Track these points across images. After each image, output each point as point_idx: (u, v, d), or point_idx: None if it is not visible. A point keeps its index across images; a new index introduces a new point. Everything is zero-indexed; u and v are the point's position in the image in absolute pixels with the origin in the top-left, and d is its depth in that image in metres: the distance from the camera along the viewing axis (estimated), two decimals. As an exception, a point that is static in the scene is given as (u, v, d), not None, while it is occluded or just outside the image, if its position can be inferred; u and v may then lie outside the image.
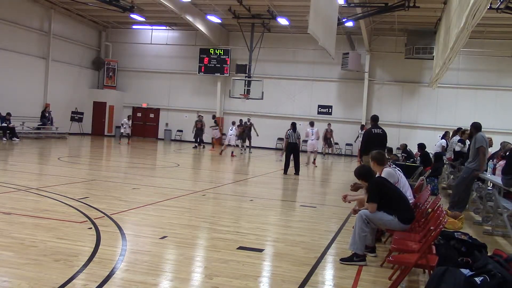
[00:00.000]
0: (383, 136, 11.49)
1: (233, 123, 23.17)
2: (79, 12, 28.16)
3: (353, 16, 21.39)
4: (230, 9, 24.15)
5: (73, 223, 6.56)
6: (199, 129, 25.17)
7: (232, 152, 21.97)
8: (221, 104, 29.93)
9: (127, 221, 7.01)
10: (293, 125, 15.84)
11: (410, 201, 6.26)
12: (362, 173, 6.05)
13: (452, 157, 13.49)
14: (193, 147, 25.05)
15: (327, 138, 24.99)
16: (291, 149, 15.48)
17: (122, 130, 25.49)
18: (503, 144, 11.63)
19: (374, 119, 11.87)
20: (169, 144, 28.30)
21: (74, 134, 27.81)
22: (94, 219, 6.82)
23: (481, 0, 6.95)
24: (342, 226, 7.66)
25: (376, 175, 6.33)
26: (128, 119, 25.73)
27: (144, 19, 27.01)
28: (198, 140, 25.21)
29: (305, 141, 20.59)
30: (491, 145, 11.32)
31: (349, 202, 6.64)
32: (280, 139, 27.87)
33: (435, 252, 4.86)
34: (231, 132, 22.47)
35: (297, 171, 15.30)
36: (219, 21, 26.40)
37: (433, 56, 23.37)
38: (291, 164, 15.44)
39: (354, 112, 27.87)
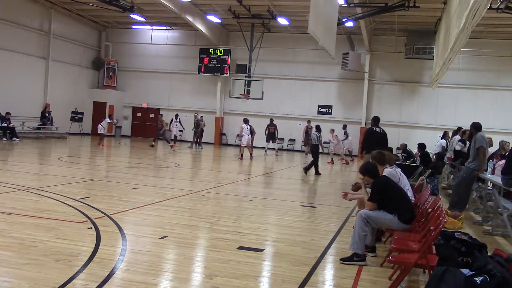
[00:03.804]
0: (383, 135, 11.62)
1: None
2: (79, 12, 28.14)
3: (353, 16, 21.38)
4: (230, 9, 24.15)
5: (73, 223, 6.56)
6: (197, 129, 25.21)
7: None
8: (221, 104, 29.91)
9: (127, 221, 7.01)
10: (318, 127, 16.39)
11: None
12: (368, 169, 6.01)
13: (452, 157, 13.49)
14: (199, 149, 25.01)
15: (308, 135, 24.90)
16: (317, 150, 15.83)
17: (101, 131, 22.73)
18: (502, 144, 11.63)
19: (375, 120, 12.04)
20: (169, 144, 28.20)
21: (74, 134, 27.80)
22: (94, 219, 6.82)
23: (481, 0, 6.95)
24: (342, 226, 7.66)
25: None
26: (110, 119, 24.18)
27: (144, 19, 26.98)
28: (197, 140, 25.20)
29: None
30: (491, 145, 11.32)
31: (350, 201, 6.64)
32: (280, 139, 27.84)
33: (435, 252, 4.86)
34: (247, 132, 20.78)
35: (316, 172, 15.60)
36: (219, 21, 26.38)
37: (433, 56, 23.37)
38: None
39: (354, 112, 27.86)
